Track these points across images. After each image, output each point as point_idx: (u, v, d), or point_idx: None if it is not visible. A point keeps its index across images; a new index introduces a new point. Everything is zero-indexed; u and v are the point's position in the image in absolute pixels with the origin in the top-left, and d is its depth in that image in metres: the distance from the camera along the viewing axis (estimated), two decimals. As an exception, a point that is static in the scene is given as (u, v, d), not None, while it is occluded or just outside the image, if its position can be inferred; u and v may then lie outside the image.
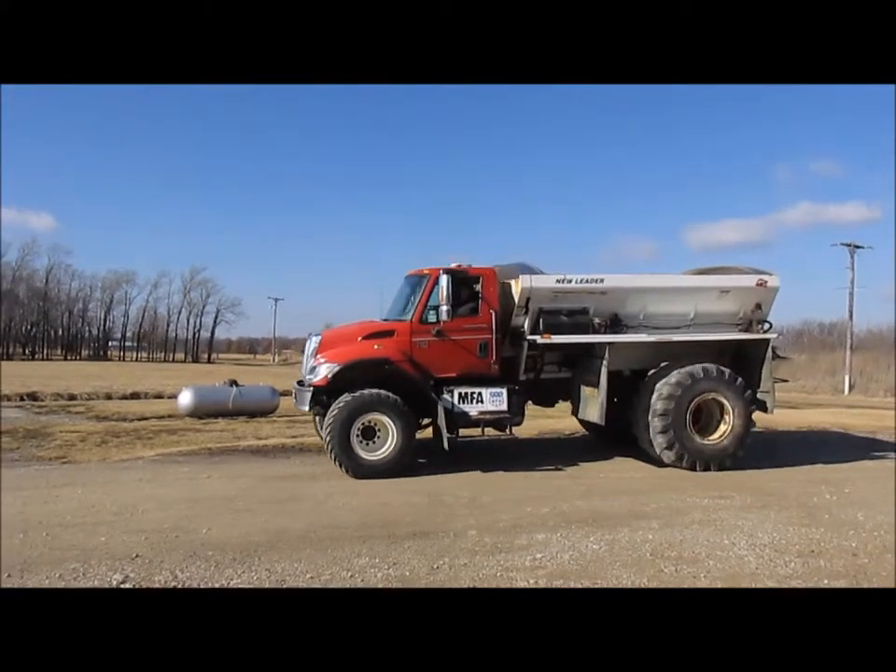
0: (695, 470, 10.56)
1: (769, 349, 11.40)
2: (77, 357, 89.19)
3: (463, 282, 10.83)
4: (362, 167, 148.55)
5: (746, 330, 11.52)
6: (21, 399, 23.89)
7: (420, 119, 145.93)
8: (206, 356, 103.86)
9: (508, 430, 11.05)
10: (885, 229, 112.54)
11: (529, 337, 10.76)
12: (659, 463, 10.92)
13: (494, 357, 10.82)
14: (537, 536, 6.92)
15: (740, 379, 11.01)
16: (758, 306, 11.54)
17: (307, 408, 10.61)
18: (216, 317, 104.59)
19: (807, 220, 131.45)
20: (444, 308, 10.32)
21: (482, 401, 10.67)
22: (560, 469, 10.67)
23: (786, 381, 13.00)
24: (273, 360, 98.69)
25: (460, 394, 10.61)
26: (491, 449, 12.42)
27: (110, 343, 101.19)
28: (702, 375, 10.79)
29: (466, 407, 10.62)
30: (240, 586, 5.52)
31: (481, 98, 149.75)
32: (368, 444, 10.11)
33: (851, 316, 45.52)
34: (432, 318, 10.58)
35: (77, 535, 6.76)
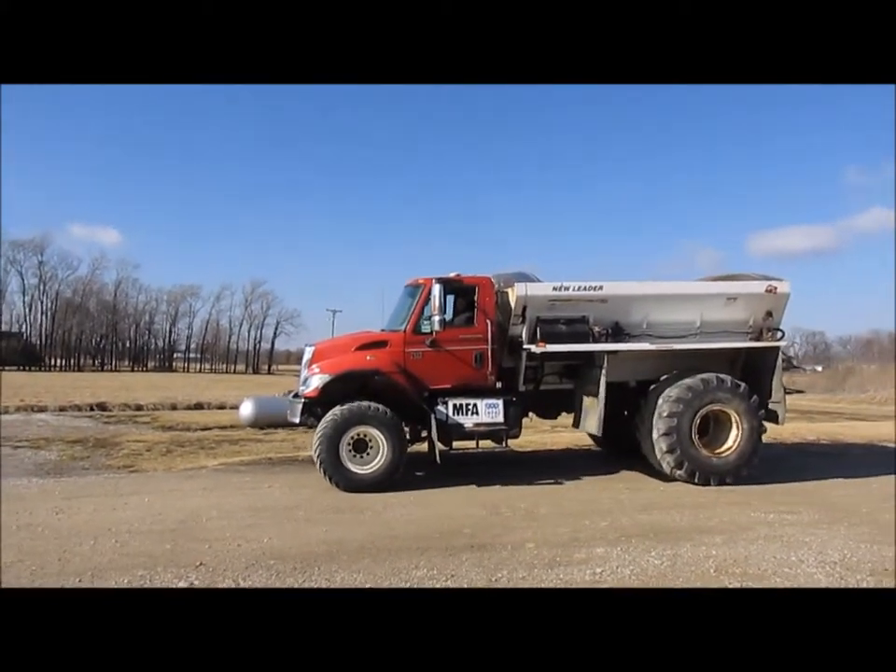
0: (698, 484, 10.23)
1: (779, 358, 11.00)
2: (144, 368, 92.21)
3: (458, 291, 10.73)
4: (418, 177, 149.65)
5: (757, 339, 11.07)
6: (91, 409, 24.80)
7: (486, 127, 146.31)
8: (266, 367, 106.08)
9: (504, 443, 10.71)
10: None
11: (526, 346, 10.52)
12: (663, 476, 10.63)
13: (490, 368, 10.59)
14: (596, 550, 6.82)
15: (747, 388, 10.63)
16: (769, 314, 11.07)
17: (297, 420, 10.34)
18: (275, 329, 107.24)
19: (879, 226, 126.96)
20: (437, 318, 10.09)
21: (477, 413, 10.42)
22: (617, 483, 10.51)
23: (801, 391, 12.50)
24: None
25: (455, 405, 10.38)
26: (536, 461, 12.30)
27: (175, 355, 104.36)
28: (710, 385, 10.46)
29: (460, 419, 10.37)
30: (240, 586, 5.60)
31: (547, 106, 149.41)
32: (360, 457, 9.86)
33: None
34: (427, 329, 10.37)
35: (144, 542, 6.94)
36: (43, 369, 76.06)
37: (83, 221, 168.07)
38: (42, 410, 23.63)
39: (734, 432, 10.55)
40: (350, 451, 9.83)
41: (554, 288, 10.53)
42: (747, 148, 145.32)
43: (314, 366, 10.37)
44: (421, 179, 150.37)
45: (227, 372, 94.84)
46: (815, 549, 6.87)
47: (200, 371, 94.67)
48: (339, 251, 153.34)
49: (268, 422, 18.46)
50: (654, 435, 10.41)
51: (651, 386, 10.78)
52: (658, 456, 10.46)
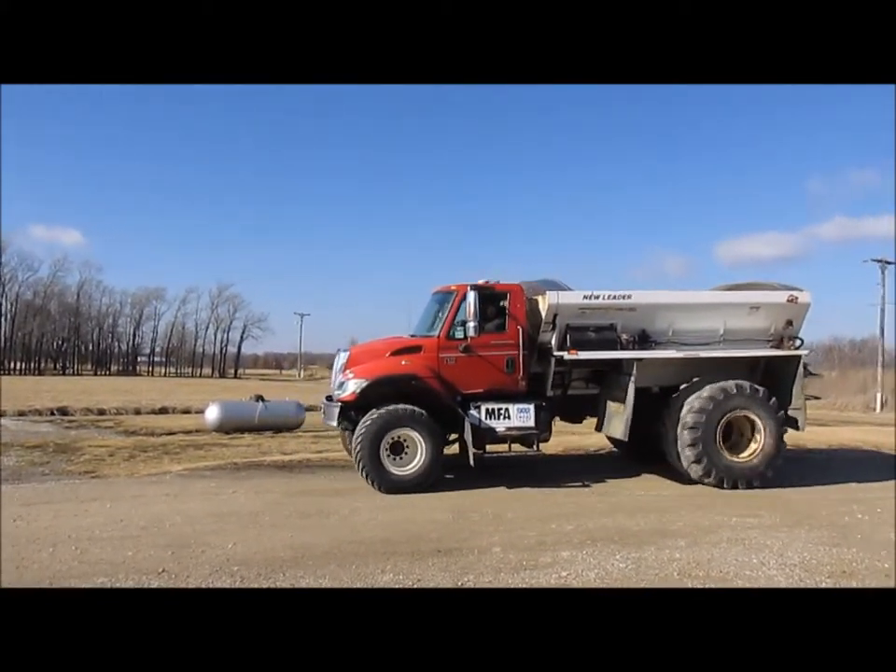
0: (723, 488, 10.43)
1: (800, 366, 11.27)
2: (107, 372, 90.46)
3: (490, 298, 10.84)
4: (391, 182, 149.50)
5: (777, 347, 11.37)
6: (52, 414, 24.25)
7: (438, 126, 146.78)
8: (233, 371, 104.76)
9: (535, 446, 10.92)
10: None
11: (556, 353, 10.72)
12: (686, 479, 10.80)
13: (521, 373, 10.81)
14: (562, 553, 6.86)
15: (771, 396, 10.87)
16: (789, 322, 11.37)
17: (335, 423, 10.59)
18: (242, 333, 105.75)
19: (842, 235, 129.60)
20: (472, 324, 10.30)
21: (509, 417, 10.62)
22: (585, 486, 10.61)
23: (818, 398, 12.80)
24: (299, 376, 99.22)
25: (487, 410, 10.58)
26: (515, 465, 12.34)
27: (139, 359, 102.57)
28: (733, 392, 10.69)
29: (493, 423, 10.58)
30: (239, 586, 5.56)
31: (502, 112, 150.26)
32: (396, 459, 10.13)
33: (882, 333, 44.91)
34: (459, 334, 10.61)
35: (105, 549, 6.83)
36: (2, 372, 74.37)
37: (44, 222, 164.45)
38: (0, 415, 23.09)
39: (757, 437, 10.81)
40: (387, 453, 10.07)
41: (585, 297, 10.80)
42: (716, 155, 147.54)
43: (348, 371, 10.59)
44: (390, 182, 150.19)
45: (192, 376, 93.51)
46: (776, 551, 7.00)
47: (165, 375, 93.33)
48: (309, 254, 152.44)
49: (234, 426, 18.27)
50: (679, 432, 10.63)
51: (675, 394, 11.01)
52: (679, 452, 10.68)
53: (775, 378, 11.36)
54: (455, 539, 7.42)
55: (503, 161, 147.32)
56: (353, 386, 10.28)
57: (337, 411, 10.43)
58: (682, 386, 10.99)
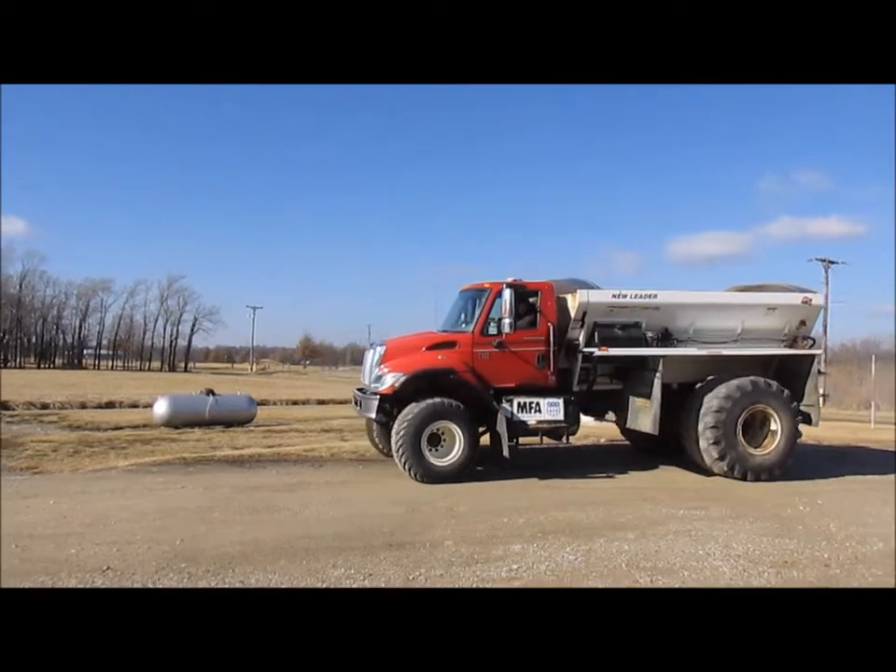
0: (745, 480, 10.85)
1: (815, 364, 11.86)
2: (51, 366, 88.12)
3: (523, 296, 11.18)
4: (337, 175, 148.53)
5: (790, 346, 11.95)
6: (-8, 408, 23.52)
7: (390, 125, 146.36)
8: (183, 364, 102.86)
9: (565, 439, 11.41)
10: (867, 243, 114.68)
11: (586, 349, 11.12)
12: (706, 472, 11.21)
13: (551, 369, 11.21)
14: (513, 546, 6.91)
15: (788, 392, 11.36)
16: (802, 323, 11.99)
17: (374, 415, 10.83)
18: (193, 326, 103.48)
19: (790, 234, 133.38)
20: (507, 321, 10.69)
21: (539, 411, 11.02)
22: (539, 480, 10.71)
23: (826, 395, 13.44)
24: (252, 369, 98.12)
25: (519, 403, 10.96)
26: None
27: (85, 352, 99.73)
28: (753, 388, 11.14)
29: (524, 416, 10.96)
30: (240, 586, 5.52)
31: (452, 107, 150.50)
32: (433, 451, 10.48)
33: (825, 331, 46.21)
34: (492, 330, 10.98)
35: (46, 547, 6.64)
36: (-60, 365, 71.88)
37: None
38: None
39: (775, 431, 11.22)
40: (426, 445, 10.41)
41: (613, 296, 11.22)
42: (668, 154, 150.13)
43: (384, 365, 10.91)
44: (343, 176, 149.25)
45: (141, 370, 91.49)
46: (721, 542, 7.16)
47: (112, 369, 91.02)
48: (263, 248, 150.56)
49: (183, 421, 18.00)
50: (701, 426, 10.97)
51: (700, 384, 11.45)
52: (701, 446, 11.02)
53: (787, 375, 11.86)
54: (407, 532, 7.41)
55: (460, 156, 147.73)
56: (391, 380, 10.62)
57: (376, 403, 10.64)
58: (700, 384, 11.46)
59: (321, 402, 32.07)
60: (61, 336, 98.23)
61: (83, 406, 25.44)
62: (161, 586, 5.61)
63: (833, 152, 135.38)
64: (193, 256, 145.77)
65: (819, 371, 12.40)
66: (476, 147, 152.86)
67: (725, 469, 10.91)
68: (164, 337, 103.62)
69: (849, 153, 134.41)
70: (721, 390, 11.07)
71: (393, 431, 10.51)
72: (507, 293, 10.73)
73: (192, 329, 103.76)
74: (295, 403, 31.26)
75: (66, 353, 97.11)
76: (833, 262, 46.10)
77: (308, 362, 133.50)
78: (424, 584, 5.76)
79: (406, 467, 10.31)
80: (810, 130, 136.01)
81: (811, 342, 12.12)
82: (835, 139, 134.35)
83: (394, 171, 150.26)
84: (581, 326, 11.20)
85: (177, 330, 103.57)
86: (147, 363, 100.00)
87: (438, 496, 9.37)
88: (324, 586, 5.67)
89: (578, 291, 11.17)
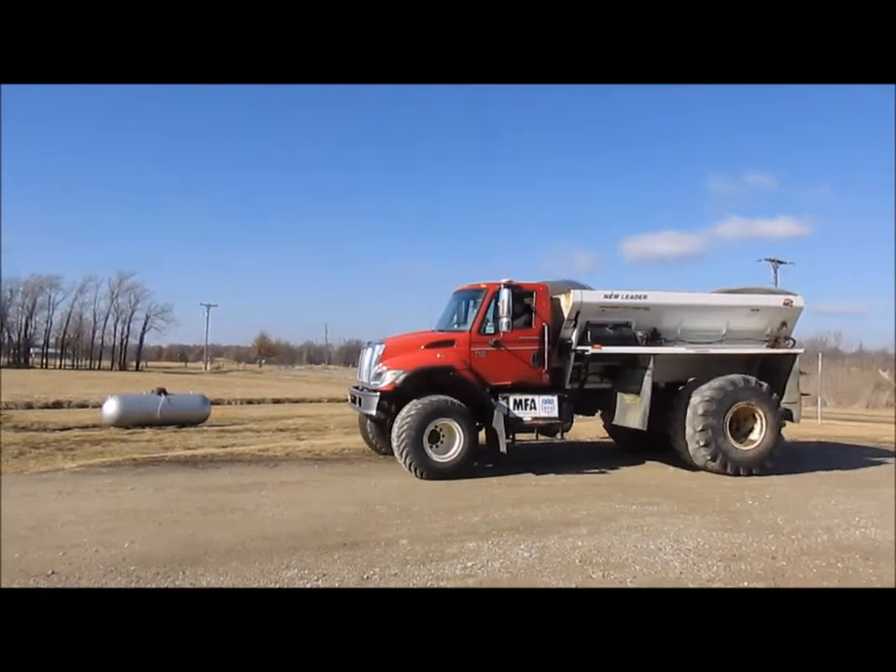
0: (729, 474, 11.15)
1: (796, 363, 12.31)
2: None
3: (519, 296, 11.38)
4: (296, 174, 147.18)
5: (772, 346, 12.40)
6: (-67, 409, 22.71)
7: (361, 122, 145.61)
8: (135, 363, 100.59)
9: (560, 435, 11.77)
10: (812, 244, 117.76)
11: (580, 348, 11.39)
12: (692, 467, 11.52)
13: (545, 367, 11.51)
14: (468, 544, 6.93)
15: (772, 390, 11.75)
16: (783, 324, 12.48)
17: (374, 412, 11.02)
18: (145, 324, 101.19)
19: (740, 234, 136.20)
20: (505, 320, 10.99)
21: (534, 408, 11.30)
22: (493, 477, 10.76)
23: (807, 394, 13.88)
24: (206, 368, 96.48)
25: (515, 400, 11.23)
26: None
27: (32, 350, 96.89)
28: (740, 385, 11.51)
29: (520, 413, 11.24)
30: (239, 586, 5.50)
31: (415, 103, 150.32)
32: (433, 448, 10.67)
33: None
34: (489, 330, 11.29)
35: (-12, 551, 6.43)
36: None
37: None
38: None
39: (759, 428, 11.60)
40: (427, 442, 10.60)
41: (606, 296, 11.63)
42: (622, 153, 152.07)
43: (383, 363, 11.14)
44: (300, 176, 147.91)
45: (91, 369, 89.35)
46: (672, 537, 7.29)
47: (60, 368, 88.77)
48: (217, 245, 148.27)
49: (134, 421, 17.58)
50: (688, 421, 11.28)
51: (688, 381, 11.76)
52: (688, 441, 11.34)
53: (769, 374, 12.26)
54: (361, 532, 7.38)
55: (429, 156, 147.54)
56: (391, 377, 10.86)
57: (376, 400, 10.86)
58: (689, 380, 11.76)
59: (277, 401, 31.66)
60: (6, 334, 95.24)
61: (29, 406, 24.66)
62: (160, 587, 5.52)
63: (783, 154, 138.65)
64: (145, 253, 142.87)
65: (800, 371, 12.80)
66: (441, 144, 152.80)
67: (713, 463, 11.21)
68: (115, 335, 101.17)
69: (797, 154, 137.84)
70: (709, 387, 11.40)
71: (394, 428, 10.65)
72: (505, 294, 11.00)
73: (144, 328, 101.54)
74: (250, 402, 30.77)
75: (12, 351, 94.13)
76: (781, 262, 47.26)
77: (264, 361, 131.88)
78: (378, 584, 5.73)
79: (408, 463, 10.49)
80: (758, 131, 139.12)
81: (792, 342, 12.57)
82: (783, 140, 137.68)
83: (350, 168, 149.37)
84: (574, 325, 11.53)
85: (128, 329, 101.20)
86: (97, 362, 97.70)
87: (394, 495, 9.35)
88: (276, 587, 5.61)
89: (571, 291, 11.51)
